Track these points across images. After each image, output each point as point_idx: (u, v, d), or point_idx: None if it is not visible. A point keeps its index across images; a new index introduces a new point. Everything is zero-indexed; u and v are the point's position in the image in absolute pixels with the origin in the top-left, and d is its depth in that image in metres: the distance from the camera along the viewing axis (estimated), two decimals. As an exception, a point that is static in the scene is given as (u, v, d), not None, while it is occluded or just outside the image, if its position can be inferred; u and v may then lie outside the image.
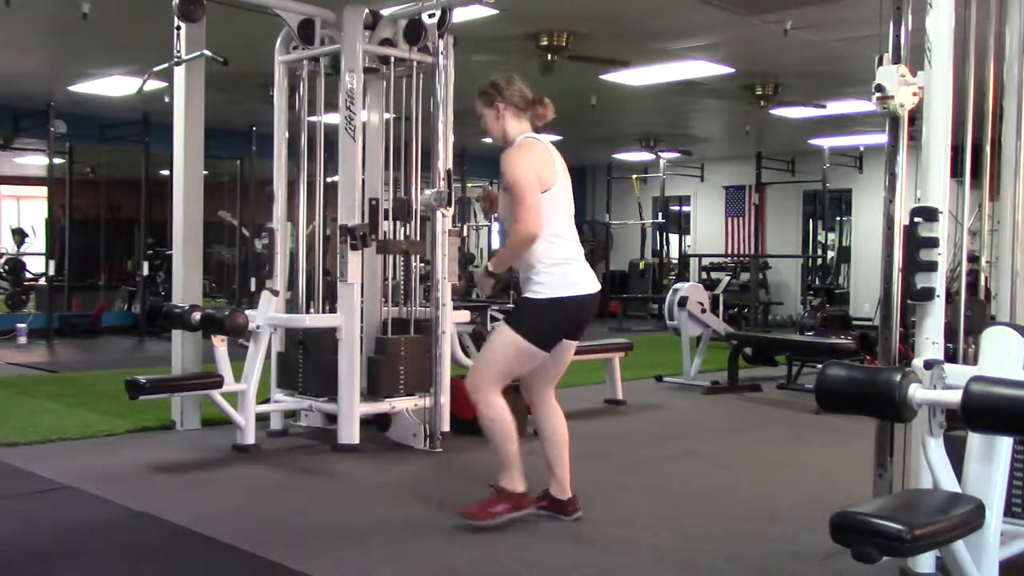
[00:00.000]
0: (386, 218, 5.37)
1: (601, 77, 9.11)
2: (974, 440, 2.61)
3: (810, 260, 15.02)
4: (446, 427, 5.19)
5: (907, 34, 3.19)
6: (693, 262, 15.33)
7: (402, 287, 5.65)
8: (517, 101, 3.72)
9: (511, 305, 12.57)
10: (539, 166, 3.60)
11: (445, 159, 5.13)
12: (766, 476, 4.70)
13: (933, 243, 2.95)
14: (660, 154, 14.23)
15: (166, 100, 5.96)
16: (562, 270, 3.60)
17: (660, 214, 15.11)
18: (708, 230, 16.16)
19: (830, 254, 15.31)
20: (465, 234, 14.47)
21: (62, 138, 10.99)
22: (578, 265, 3.65)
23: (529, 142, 3.69)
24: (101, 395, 6.52)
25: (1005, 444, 2.56)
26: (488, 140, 11.43)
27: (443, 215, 5.15)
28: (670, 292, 8.07)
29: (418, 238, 5.48)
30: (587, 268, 3.70)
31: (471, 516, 3.65)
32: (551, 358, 3.71)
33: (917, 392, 2.47)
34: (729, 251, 15.64)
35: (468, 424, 5.40)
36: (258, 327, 5.15)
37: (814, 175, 13.95)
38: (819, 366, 3.06)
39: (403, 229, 5.50)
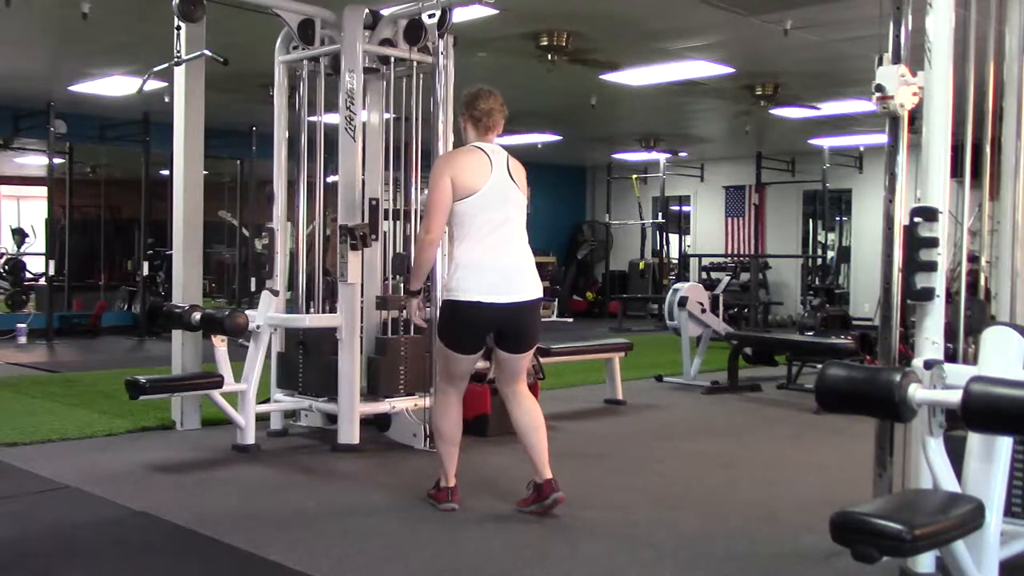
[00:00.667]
0: (386, 217, 5.38)
1: (601, 77, 9.11)
2: (974, 440, 2.61)
3: (810, 260, 15.02)
4: (446, 427, 5.19)
5: (907, 34, 3.19)
6: (693, 262, 15.33)
7: (402, 287, 5.65)
8: (476, 115, 3.87)
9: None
10: (457, 173, 3.73)
11: (445, 159, 5.12)
12: (766, 476, 4.70)
13: (933, 243, 2.95)
14: (660, 154, 14.24)
15: (166, 100, 5.97)
16: (462, 274, 3.69)
17: (660, 214, 15.11)
18: (708, 230, 16.17)
19: (830, 254, 15.32)
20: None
21: (62, 138, 10.99)
22: (488, 270, 3.68)
23: (460, 150, 3.90)
24: (101, 395, 6.52)
25: (1005, 444, 2.56)
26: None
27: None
28: (670, 292, 8.08)
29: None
30: (511, 276, 3.71)
31: (430, 494, 3.96)
32: (495, 362, 3.90)
33: (917, 392, 2.47)
34: (729, 251, 15.64)
35: (468, 424, 5.40)
36: (258, 327, 5.15)
37: (814, 175, 13.95)
38: (819, 366, 3.05)
39: (403, 230, 5.51)
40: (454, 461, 3.91)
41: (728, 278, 13.54)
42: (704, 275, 14.55)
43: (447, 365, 3.88)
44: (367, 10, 5.19)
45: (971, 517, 2.34)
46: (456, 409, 3.90)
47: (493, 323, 3.72)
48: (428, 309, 5.00)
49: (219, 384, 4.94)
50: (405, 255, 5.42)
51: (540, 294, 3.80)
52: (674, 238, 16.51)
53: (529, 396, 3.92)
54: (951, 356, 3.18)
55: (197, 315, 5.05)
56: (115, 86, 9.68)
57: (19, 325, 10.15)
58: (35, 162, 13.21)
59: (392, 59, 5.38)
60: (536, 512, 3.79)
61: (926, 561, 2.95)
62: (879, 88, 3.06)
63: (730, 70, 8.81)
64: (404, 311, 5.30)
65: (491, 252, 3.70)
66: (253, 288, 11.29)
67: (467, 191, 3.70)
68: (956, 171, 3.18)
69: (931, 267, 2.96)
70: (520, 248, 3.77)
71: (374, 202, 5.22)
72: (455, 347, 3.79)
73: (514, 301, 3.69)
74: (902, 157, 3.21)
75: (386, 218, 5.38)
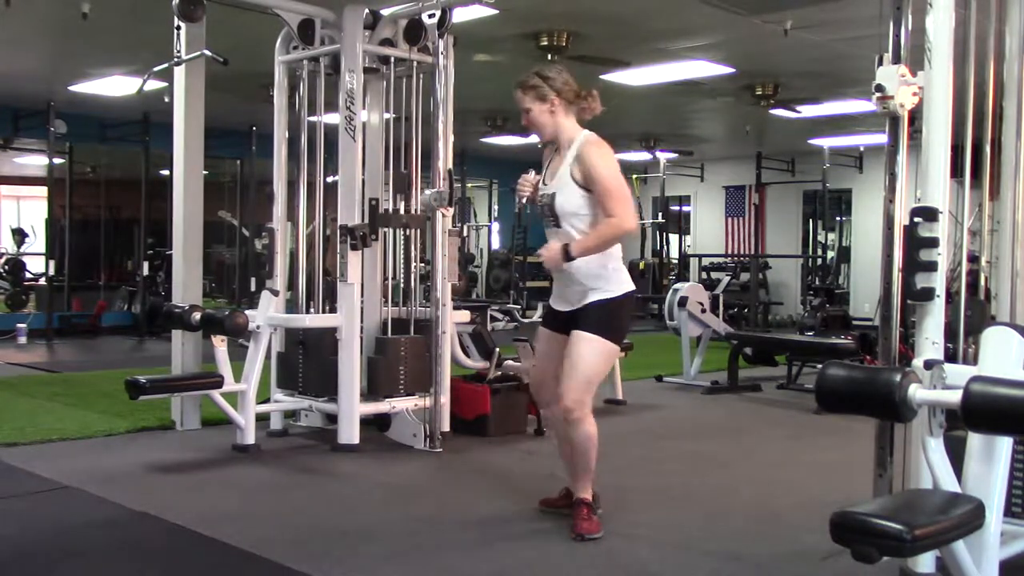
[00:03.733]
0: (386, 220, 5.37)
1: (601, 77, 9.10)
2: (974, 440, 2.60)
3: (810, 260, 15.02)
4: (446, 427, 5.19)
5: (907, 34, 3.19)
6: (693, 262, 15.34)
7: (402, 287, 5.65)
8: (568, 95, 3.60)
9: (512, 306, 12.64)
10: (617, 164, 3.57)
11: (445, 159, 5.13)
12: (766, 476, 4.71)
13: (933, 243, 2.95)
14: (663, 154, 14.25)
15: (166, 100, 5.96)
16: (619, 267, 3.58)
17: (660, 214, 15.11)
18: (708, 230, 16.16)
19: (830, 254, 15.31)
20: (465, 234, 14.47)
21: (62, 138, 10.99)
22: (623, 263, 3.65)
23: (602, 140, 3.61)
24: (101, 395, 6.52)
25: (1005, 444, 2.56)
26: (488, 140, 11.47)
27: (443, 215, 5.16)
28: (670, 292, 8.08)
29: (418, 235, 5.48)
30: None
31: (595, 530, 3.52)
32: (561, 355, 3.59)
33: (917, 392, 2.47)
34: (729, 251, 15.65)
35: (468, 424, 5.41)
36: (258, 327, 5.15)
37: (814, 175, 13.95)
38: (819, 366, 3.05)
39: (403, 229, 5.51)
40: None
41: (728, 278, 13.55)
42: (704, 275, 14.55)
43: (605, 370, 3.64)
44: (367, 10, 5.19)
45: (971, 517, 2.34)
46: None
47: None
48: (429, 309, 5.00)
49: (219, 384, 4.94)
50: (406, 173, 5.39)
51: None
52: (674, 238, 16.51)
53: None
54: (951, 356, 3.18)
55: (197, 315, 5.05)
56: (115, 86, 9.68)
57: (19, 325, 10.15)
58: (35, 162, 13.21)
59: (392, 59, 5.38)
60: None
61: (926, 561, 2.95)
62: (879, 88, 3.06)
63: (730, 70, 8.81)
64: (415, 227, 5.29)
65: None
66: (253, 288, 11.29)
67: None
68: (956, 171, 3.18)
69: (931, 267, 2.96)
70: None
71: (374, 202, 5.22)
72: (622, 341, 3.65)
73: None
74: (902, 157, 3.21)
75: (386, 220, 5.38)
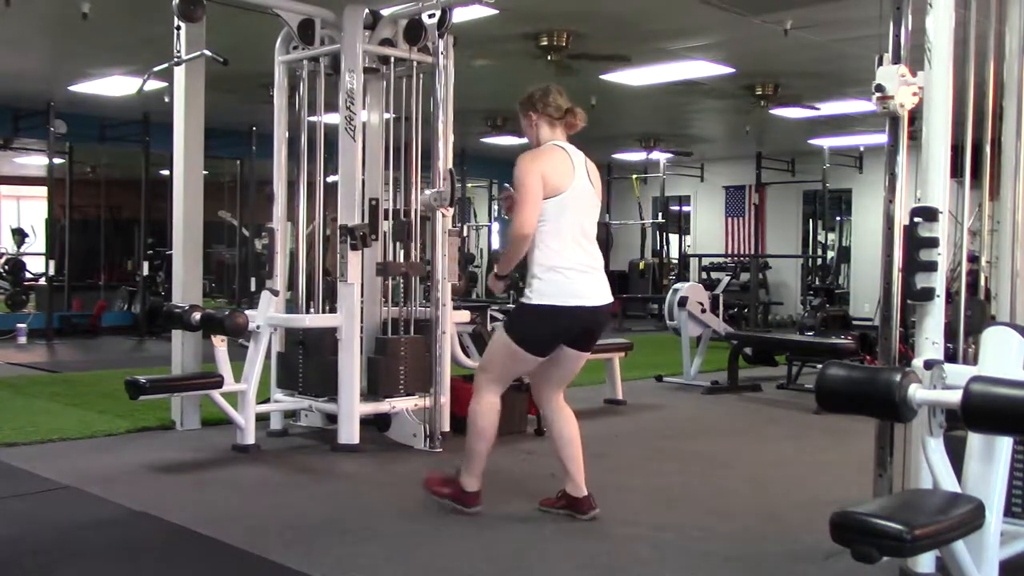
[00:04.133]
0: (386, 218, 5.38)
1: (601, 77, 9.10)
2: (974, 440, 2.61)
3: (810, 260, 15.02)
4: (446, 427, 5.20)
5: (907, 34, 3.19)
6: (693, 262, 15.34)
7: (402, 287, 5.65)
8: (551, 112, 3.78)
9: (512, 306, 12.65)
10: (548, 171, 3.61)
11: (445, 159, 5.13)
12: (766, 476, 4.70)
13: (933, 243, 2.95)
14: (660, 154, 14.26)
15: (166, 100, 5.97)
16: (555, 277, 3.59)
17: (660, 214, 15.11)
18: (708, 230, 16.17)
19: (830, 254, 15.31)
20: (465, 234, 14.48)
21: (62, 138, 11.00)
22: (578, 275, 3.63)
23: (547, 148, 3.73)
24: (101, 395, 6.52)
25: (1005, 444, 2.56)
26: (488, 140, 11.55)
27: (443, 215, 5.16)
28: (670, 292, 8.08)
29: (418, 235, 5.48)
30: (592, 279, 3.67)
31: (429, 484, 3.92)
32: (554, 364, 3.74)
33: (917, 392, 2.47)
34: (729, 251, 15.65)
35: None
36: (258, 327, 5.15)
37: (814, 175, 13.95)
38: (819, 366, 3.05)
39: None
40: (484, 463, 3.82)
41: (728, 278, 13.55)
42: (704, 275, 14.55)
43: (511, 365, 3.77)
44: (367, 10, 5.19)
45: (971, 517, 2.34)
46: (499, 409, 3.81)
47: (577, 326, 3.67)
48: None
49: (219, 384, 4.94)
50: (406, 221, 5.39)
51: (612, 298, 3.77)
52: (674, 238, 16.52)
53: (567, 406, 3.88)
54: (951, 356, 3.18)
55: (197, 315, 5.05)
56: (115, 86, 9.68)
57: (19, 325, 10.15)
58: (35, 162, 13.22)
59: (392, 59, 5.38)
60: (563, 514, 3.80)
61: (926, 561, 2.95)
62: (879, 88, 3.06)
63: (730, 70, 8.81)
64: (414, 274, 5.36)
65: (576, 255, 3.64)
66: (253, 288, 11.29)
67: (555, 191, 3.61)
68: (956, 171, 3.18)
69: (931, 267, 2.96)
70: (596, 252, 3.73)
71: (374, 202, 5.22)
72: (532, 349, 3.67)
73: (598, 304, 3.66)
74: (902, 157, 3.21)
75: (386, 218, 5.38)
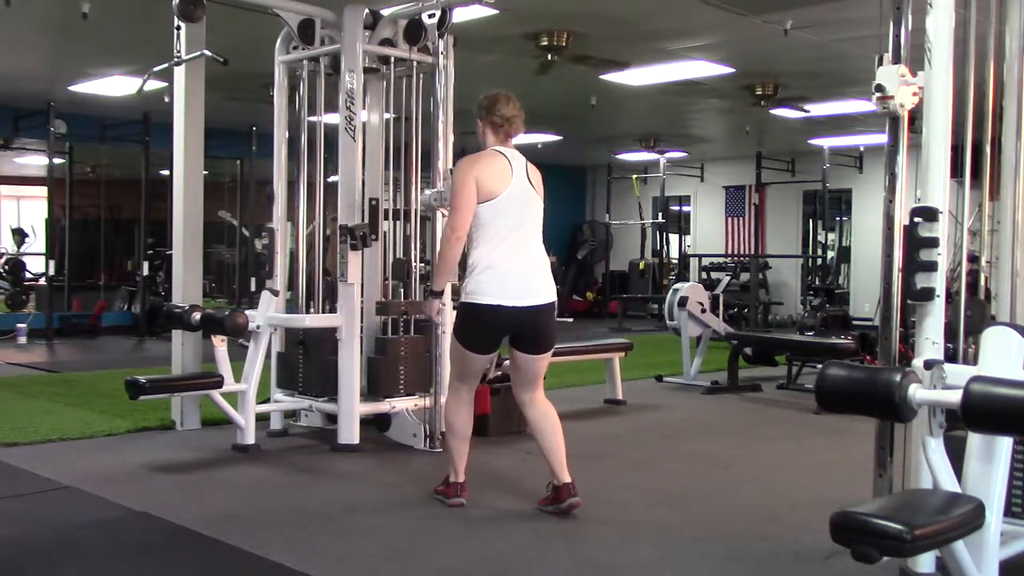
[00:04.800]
0: (386, 217, 5.38)
1: (601, 77, 9.10)
2: (974, 440, 2.60)
3: (810, 260, 15.02)
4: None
5: (907, 34, 3.19)
6: (693, 262, 15.33)
7: (402, 287, 5.65)
8: (495, 119, 3.90)
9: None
10: (481, 175, 3.77)
11: (445, 159, 5.13)
12: (766, 476, 4.70)
13: (933, 243, 2.95)
14: (660, 154, 14.27)
15: (166, 100, 5.97)
16: (482, 277, 3.73)
17: (660, 214, 15.11)
18: (708, 230, 16.16)
19: (830, 254, 15.31)
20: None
21: (62, 138, 10.99)
22: (512, 275, 3.73)
23: (483, 153, 3.89)
24: (101, 395, 6.52)
25: (1005, 444, 2.56)
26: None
27: (443, 215, 5.15)
28: (670, 292, 8.08)
29: (417, 239, 5.48)
30: (528, 280, 3.76)
31: (438, 489, 4.04)
32: (514, 367, 3.91)
33: (917, 392, 2.47)
34: (729, 251, 15.64)
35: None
36: (258, 327, 5.15)
37: (814, 175, 13.94)
38: (819, 366, 3.06)
39: (403, 229, 5.51)
40: (464, 457, 3.97)
41: (728, 278, 13.54)
42: (704, 275, 14.54)
43: (462, 364, 3.93)
44: (367, 10, 5.19)
45: (971, 517, 2.34)
46: (468, 406, 3.97)
47: (510, 326, 3.78)
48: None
49: (219, 384, 4.94)
50: (405, 260, 5.42)
51: (555, 298, 3.86)
52: (674, 238, 16.51)
53: (546, 400, 3.94)
54: (951, 356, 3.18)
55: (197, 315, 5.06)
56: (115, 86, 9.68)
57: (19, 325, 10.15)
58: (35, 162, 13.21)
59: (392, 59, 5.38)
60: (554, 513, 3.82)
61: (926, 561, 2.95)
62: (879, 88, 3.05)
63: (730, 70, 8.80)
64: (414, 313, 5.34)
65: (510, 256, 3.75)
66: (253, 288, 11.29)
67: (489, 195, 3.75)
68: (956, 171, 3.18)
69: (931, 267, 2.96)
70: (537, 252, 3.83)
71: (374, 202, 5.22)
72: (472, 347, 3.85)
73: (531, 305, 3.76)
74: (902, 157, 3.21)
75: (386, 218, 5.38)
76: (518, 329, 3.80)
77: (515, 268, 3.75)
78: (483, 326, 3.79)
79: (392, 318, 5.49)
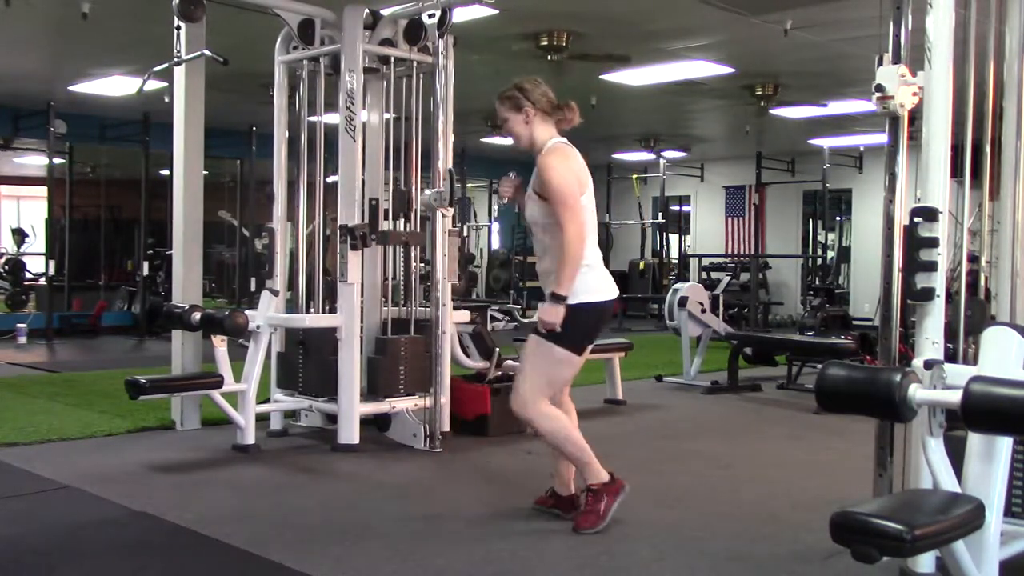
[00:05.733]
0: (386, 217, 5.38)
1: (601, 77, 9.10)
2: (974, 440, 2.61)
3: (810, 260, 15.02)
4: (446, 427, 5.19)
5: (907, 34, 3.19)
6: (693, 262, 15.33)
7: (402, 287, 5.65)
8: (544, 105, 3.64)
9: (512, 306, 12.64)
10: (579, 171, 3.58)
11: (445, 159, 5.13)
12: (766, 476, 4.70)
13: (933, 243, 2.96)
14: (661, 154, 14.27)
15: (166, 100, 5.97)
16: (587, 276, 3.55)
17: (660, 214, 15.11)
18: (708, 230, 16.16)
19: (830, 254, 15.32)
20: (465, 234, 14.48)
21: (62, 138, 10.99)
22: (600, 271, 3.65)
23: (566, 147, 3.64)
24: (101, 395, 6.52)
25: (1005, 444, 2.56)
26: (488, 140, 11.47)
27: (443, 215, 5.16)
28: (670, 292, 8.08)
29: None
30: (607, 274, 3.70)
31: (589, 525, 3.59)
32: (574, 366, 3.69)
33: (917, 392, 2.47)
34: (729, 251, 15.65)
35: (468, 424, 5.41)
36: (258, 327, 5.15)
37: (814, 175, 13.95)
38: (819, 366, 3.05)
39: (403, 224, 5.51)
40: (591, 453, 3.68)
41: (728, 278, 13.54)
42: (704, 275, 14.54)
43: (559, 372, 3.62)
44: (367, 10, 5.19)
45: (971, 517, 2.34)
46: (557, 408, 3.68)
47: (606, 321, 3.69)
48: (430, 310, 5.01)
49: (219, 384, 4.94)
50: (406, 190, 5.38)
51: None
52: (674, 238, 16.51)
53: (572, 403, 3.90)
54: (951, 356, 3.18)
55: (197, 315, 5.06)
56: (115, 86, 9.68)
57: (19, 325, 10.14)
58: (35, 162, 13.22)
59: (392, 59, 5.38)
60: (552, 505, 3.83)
61: (926, 561, 2.95)
62: (879, 88, 3.06)
63: (730, 70, 8.81)
64: (414, 243, 5.27)
65: (599, 251, 3.68)
66: (253, 288, 11.29)
67: (583, 188, 3.56)
68: (956, 171, 3.18)
69: (931, 267, 2.96)
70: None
71: (374, 202, 5.22)
72: (583, 349, 3.63)
73: (616, 296, 3.67)
74: (902, 157, 3.21)
75: (386, 218, 5.38)
76: (605, 323, 3.71)
77: (602, 263, 3.68)
78: (600, 324, 3.65)
79: (392, 317, 5.49)
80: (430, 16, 5.08)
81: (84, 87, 9.83)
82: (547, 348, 3.55)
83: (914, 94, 3.05)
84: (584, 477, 3.68)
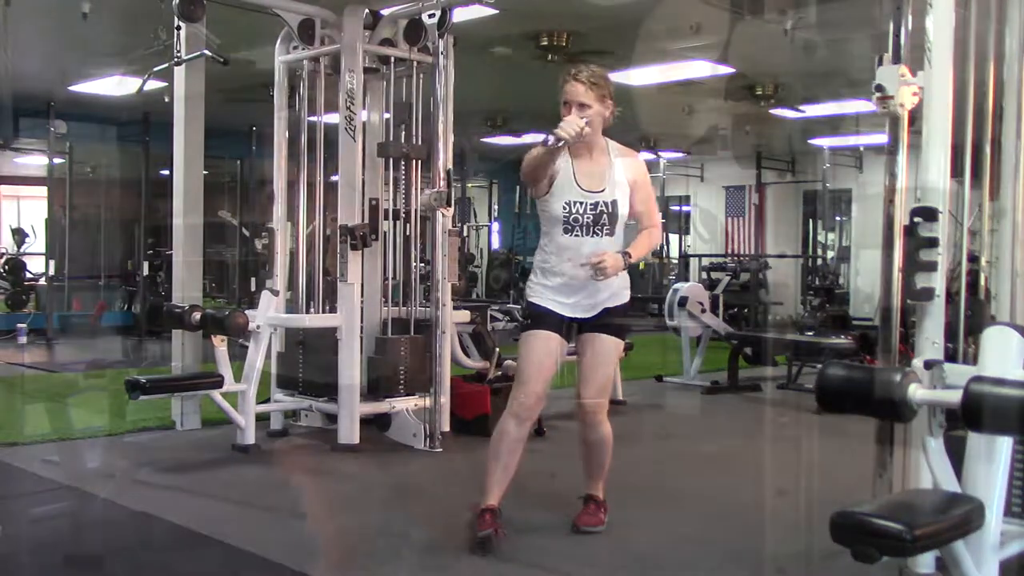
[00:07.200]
0: (386, 218, 5.38)
1: (601, 77, 9.09)
2: (974, 440, 2.60)
3: (810, 260, 15.02)
4: (446, 427, 5.19)
5: (907, 34, 3.19)
6: (693, 262, 15.33)
7: (402, 287, 5.65)
8: (612, 109, 3.77)
9: (512, 306, 12.62)
10: None
11: (445, 159, 5.13)
12: (766, 476, 4.70)
13: (933, 243, 2.95)
14: (660, 154, 14.27)
15: (166, 100, 5.96)
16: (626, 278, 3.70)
17: (660, 214, 15.09)
18: (708, 230, 16.16)
19: (830, 254, 15.31)
20: (465, 234, 14.47)
21: (62, 138, 10.98)
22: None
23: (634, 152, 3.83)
24: (101, 395, 6.52)
25: (1005, 444, 2.56)
26: (488, 140, 11.41)
27: (443, 215, 5.16)
28: (670, 292, 8.07)
29: (418, 235, 5.48)
30: None
31: (590, 523, 3.65)
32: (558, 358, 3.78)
33: (917, 392, 2.46)
34: (729, 251, 15.64)
35: (468, 424, 5.41)
36: (258, 327, 5.14)
37: (814, 175, 13.94)
38: (819, 366, 3.05)
39: (403, 230, 5.51)
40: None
41: (728, 278, 13.53)
42: (704, 275, 14.53)
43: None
44: (367, 10, 5.19)
45: (971, 517, 2.34)
46: None
47: None
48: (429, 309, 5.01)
49: (219, 384, 4.94)
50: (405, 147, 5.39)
51: None
52: (674, 238, 16.51)
53: None
54: (951, 356, 3.18)
55: (197, 315, 5.05)
56: (115, 86, 9.67)
57: (19, 325, 10.14)
58: (35, 162, 13.21)
59: (392, 59, 5.37)
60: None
61: (926, 561, 2.95)
62: (879, 88, 3.05)
63: (730, 70, 8.81)
64: (415, 156, 5.32)
65: None
66: (253, 288, 11.28)
67: None
68: (956, 171, 3.18)
69: (931, 267, 2.96)
70: None
71: (374, 202, 5.22)
72: None
73: None
74: (902, 157, 3.21)
75: (386, 218, 5.38)
76: None
77: None
78: None
79: (392, 317, 5.49)
80: (430, 16, 5.08)
81: (84, 87, 9.83)
82: (618, 347, 3.75)
83: (914, 94, 3.05)
84: (597, 484, 3.74)
